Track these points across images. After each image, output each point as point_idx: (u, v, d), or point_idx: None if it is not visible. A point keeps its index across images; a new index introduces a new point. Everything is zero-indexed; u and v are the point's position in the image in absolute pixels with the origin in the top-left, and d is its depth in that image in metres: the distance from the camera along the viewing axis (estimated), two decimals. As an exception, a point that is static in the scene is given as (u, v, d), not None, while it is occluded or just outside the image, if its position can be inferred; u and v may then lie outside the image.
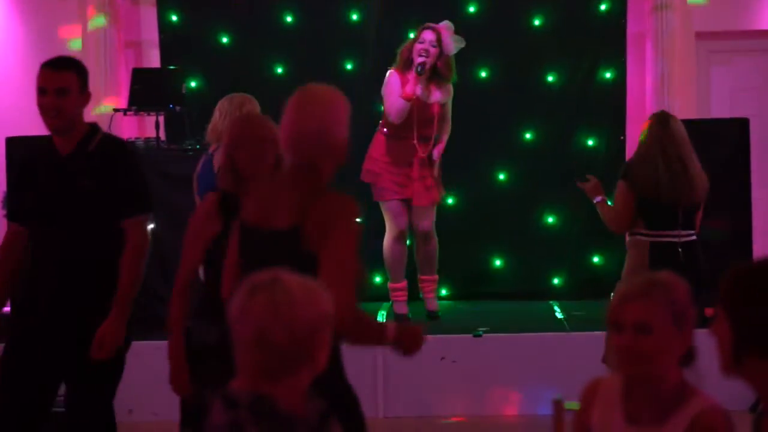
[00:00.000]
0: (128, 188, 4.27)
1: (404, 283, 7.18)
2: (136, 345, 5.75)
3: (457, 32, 7.09)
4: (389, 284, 7.21)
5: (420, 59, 6.82)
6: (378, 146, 7.03)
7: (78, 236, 4.20)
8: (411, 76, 6.84)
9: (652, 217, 5.48)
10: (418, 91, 6.85)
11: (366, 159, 7.06)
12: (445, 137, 7.07)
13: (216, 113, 5.62)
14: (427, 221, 7.03)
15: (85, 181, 4.18)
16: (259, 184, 3.55)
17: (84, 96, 4.45)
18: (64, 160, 4.25)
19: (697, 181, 5.47)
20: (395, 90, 6.85)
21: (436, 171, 7.02)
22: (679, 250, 5.45)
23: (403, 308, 7.20)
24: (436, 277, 7.28)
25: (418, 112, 6.87)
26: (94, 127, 4.40)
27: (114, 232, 4.24)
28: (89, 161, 4.23)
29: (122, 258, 4.21)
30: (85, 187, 4.18)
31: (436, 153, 7.00)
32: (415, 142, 6.90)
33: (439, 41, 6.86)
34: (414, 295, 7.36)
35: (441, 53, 6.87)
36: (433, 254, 7.17)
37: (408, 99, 6.79)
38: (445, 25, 6.96)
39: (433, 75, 6.93)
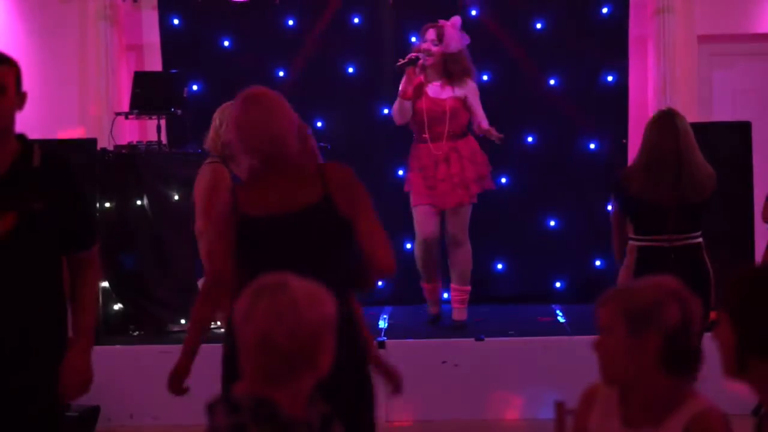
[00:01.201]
0: (83, 213, 3.72)
1: (433, 285, 7.14)
2: (138, 349, 5.77)
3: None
4: (421, 283, 7.18)
5: (419, 55, 6.79)
6: (411, 152, 7.02)
7: (22, 273, 3.49)
8: (417, 71, 6.81)
9: (639, 220, 5.31)
10: (413, 84, 6.77)
11: (407, 167, 7.09)
12: (484, 124, 6.90)
13: (215, 121, 5.41)
14: (454, 225, 6.92)
15: (36, 203, 3.48)
16: (248, 181, 3.59)
17: (20, 97, 3.82)
18: (5, 177, 3.51)
19: (698, 179, 5.25)
20: (400, 89, 6.84)
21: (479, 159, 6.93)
22: (672, 255, 5.23)
23: (433, 309, 7.20)
24: (468, 288, 7.13)
25: (429, 110, 6.83)
26: (23, 137, 3.72)
27: (57, 266, 3.61)
28: (35, 179, 3.52)
29: (84, 289, 3.64)
30: (37, 210, 3.47)
31: (484, 125, 6.85)
32: (437, 140, 6.86)
33: (440, 38, 6.82)
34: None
35: (446, 52, 6.83)
36: (462, 263, 7.03)
37: (404, 97, 6.75)
38: (452, 22, 6.91)
39: (444, 73, 6.89)
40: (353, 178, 3.54)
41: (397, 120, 6.88)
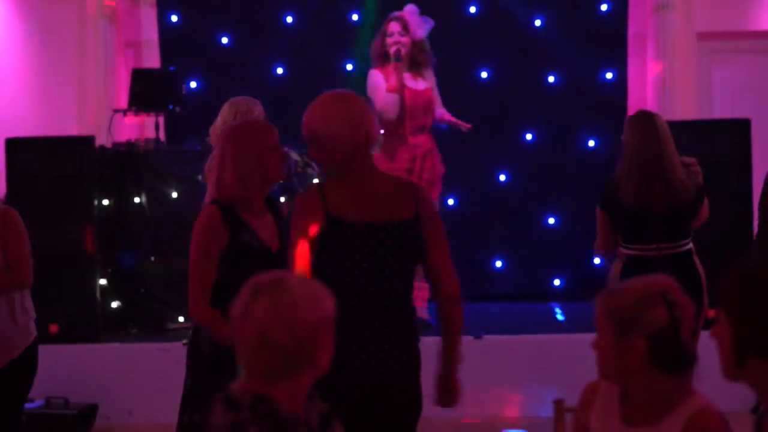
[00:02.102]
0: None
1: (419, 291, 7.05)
2: (136, 347, 5.77)
3: (457, 32, 7.08)
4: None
5: (394, 47, 6.74)
6: (383, 149, 6.86)
7: None
8: (390, 68, 6.75)
9: (629, 230, 5.27)
10: (396, 83, 6.74)
11: None
12: (447, 115, 6.93)
13: (219, 117, 5.39)
14: None
15: None
16: (344, 181, 3.53)
17: None
18: None
19: (682, 183, 5.14)
20: (381, 86, 6.75)
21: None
22: (660, 264, 5.10)
23: (422, 314, 7.07)
24: (427, 285, 7.08)
25: (410, 103, 6.78)
26: None
27: None
28: None
29: None
30: None
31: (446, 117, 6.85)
32: (408, 134, 6.79)
33: (405, 28, 6.79)
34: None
35: (412, 41, 6.79)
36: None
37: (395, 91, 6.72)
38: (409, 10, 6.85)
39: (412, 64, 6.83)
40: (429, 198, 3.67)
41: (393, 114, 6.76)
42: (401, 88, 6.72)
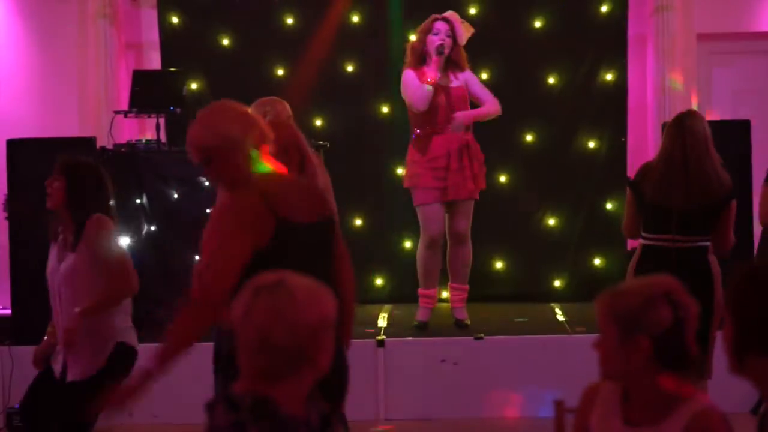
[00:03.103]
0: None
1: (432, 291, 6.99)
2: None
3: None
4: (419, 290, 7.03)
5: (438, 42, 6.74)
6: (415, 149, 6.89)
7: None
8: (431, 64, 6.74)
9: (645, 218, 5.40)
10: (438, 76, 6.75)
11: (407, 166, 6.92)
12: (489, 109, 6.95)
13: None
14: (462, 222, 6.87)
15: None
16: (286, 184, 3.54)
17: None
18: None
19: (708, 186, 5.28)
20: (414, 81, 6.76)
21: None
22: (674, 255, 5.27)
23: (425, 315, 7.02)
24: (468, 287, 7.08)
25: (444, 100, 6.79)
26: None
27: None
28: None
29: None
30: None
31: (459, 115, 6.82)
32: (443, 133, 6.80)
33: (453, 31, 6.82)
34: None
35: (454, 43, 6.83)
36: (466, 261, 6.99)
37: (432, 84, 6.70)
38: (453, 15, 6.91)
39: (448, 64, 6.86)
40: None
41: (423, 107, 6.74)
42: (436, 83, 6.72)
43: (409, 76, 6.82)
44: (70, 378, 4.64)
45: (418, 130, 6.86)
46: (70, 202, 4.70)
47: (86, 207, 4.68)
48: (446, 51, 6.78)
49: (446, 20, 6.82)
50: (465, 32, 6.88)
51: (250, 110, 5.36)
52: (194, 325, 3.32)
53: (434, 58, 6.74)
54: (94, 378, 4.57)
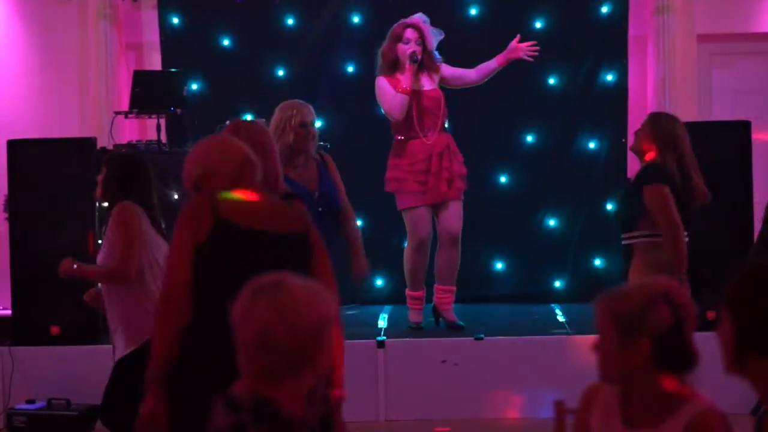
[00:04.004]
0: None
1: (422, 293, 7.01)
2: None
3: (458, 34, 7.07)
4: (407, 291, 7.05)
5: (411, 49, 6.78)
6: (396, 152, 6.94)
7: None
8: (405, 71, 6.77)
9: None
10: (411, 83, 6.77)
11: (388, 169, 6.96)
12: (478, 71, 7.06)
13: (273, 122, 5.81)
14: (453, 222, 6.87)
15: None
16: (240, 190, 3.58)
17: None
18: None
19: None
20: (389, 90, 6.80)
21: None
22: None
23: (418, 317, 7.05)
24: (455, 288, 7.09)
25: (417, 104, 6.82)
26: None
27: None
28: None
29: None
30: None
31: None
32: (422, 135, 6.83)
33: (422, 37, 6.84)
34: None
35: (425, 50, 6.85)
36: (456, 262, 6.99)
37: (406, 93, 6.74)
38: (422, 19, 6.91)
39: (420, 68, 6.88)
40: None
41: (400, 115, 6.81)
42: (411, 91, 6.75)
43: (383, 84, 6.85)
44: (116, 357, 4.89)
45: (399, 136, 6.90)
46: (102, 192, 5.08)
47: (114, 196, 4.98)
48: (419, 57, 6.80)
49: (415, 27, 6.84)
50: (436, 37, 6.91)
51: (276, 114, 5.66)
52: (160, 322, 3.41)
53: (407, 66, 6.76)
54: (136, 352, 4.69)
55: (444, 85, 7.00)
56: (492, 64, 7.03)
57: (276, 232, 3.48)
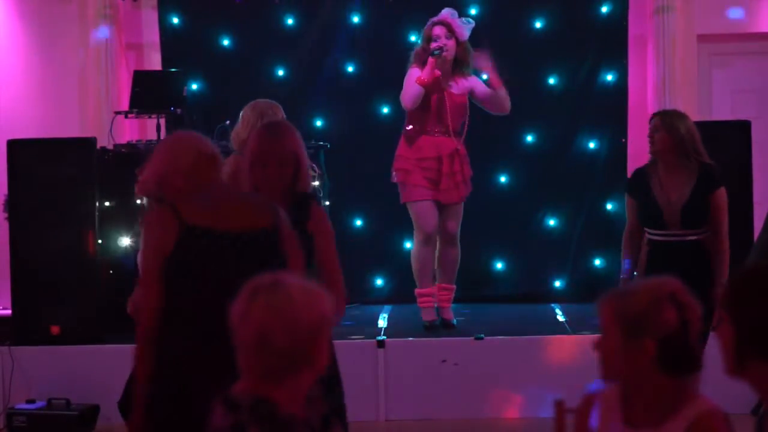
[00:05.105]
0: None
1: (433, 289, 6.99)
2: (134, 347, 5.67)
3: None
4: (416, 290, 7.01)
5: (435, 44, 6.75)
6: (405, 144, 6.92)
7: None
8: (427, 64, 6.73)
9: None
10: (433, 75, 6.72)
11: (395, 159, 6.94)
12: (504, 94, 7.00)
13: (241, 122, 5.48)
14: (455, 222, 6.90)
15: None
16: (204, 193, 3.55)
17: None
18: None
19: None
20: (411, 78, 6.77)
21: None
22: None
23: (431, 315, 7.01)
24: (454, 287, 7.09)
25: (441, 102, 6.81)
26: None
27: None
28: None
29: None
30: None
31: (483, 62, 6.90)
32: (445, 135, 6.84)
33: (451, 31, 6.83)
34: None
35: (457, 42, 6.84)
36: (455, 261, 7.00)
37: (423, 84, 6.72)
38: (449, 13, 6.90)
39: (456, 65, 6.88)
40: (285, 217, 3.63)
41: (409, 105, 6.76)
42: (429, 84, 6.72)
43: (411, 71, 6.84)
44: None
45: (409, 126, 6.88)
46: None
47: None
48: (447, 53, 6.78)
49: (441, 23, 6.82)
50: (466, 27, 6.88)
51: (245, 114, 5.46)
52: (140, 333, 3.48)
53: (429, 59, 6.73)
54: None
55: (472, 99, 6.98)
56: (490, 89, 6.97)
57: (240, 230, 3.44)
